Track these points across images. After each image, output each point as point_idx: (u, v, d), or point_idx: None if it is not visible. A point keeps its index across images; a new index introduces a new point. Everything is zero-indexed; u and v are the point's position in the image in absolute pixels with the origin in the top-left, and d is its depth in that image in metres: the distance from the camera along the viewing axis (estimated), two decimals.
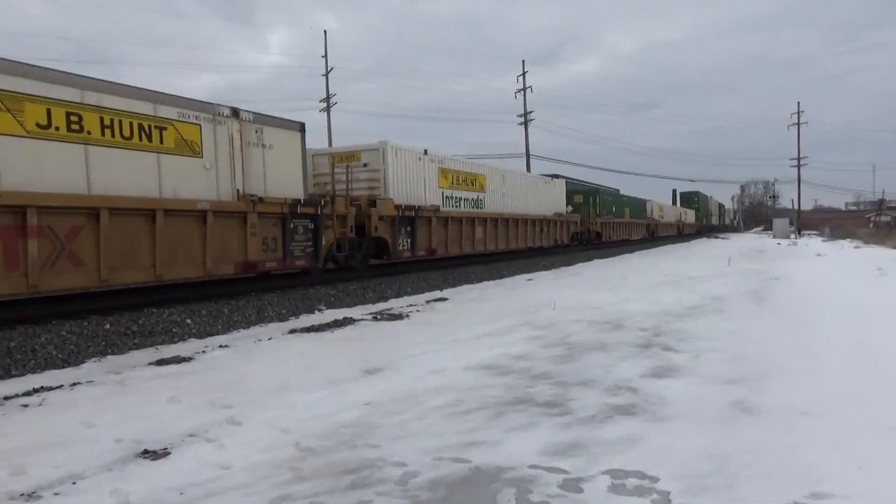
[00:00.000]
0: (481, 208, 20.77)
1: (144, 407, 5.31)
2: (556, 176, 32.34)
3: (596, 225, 33.26)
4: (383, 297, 13.10)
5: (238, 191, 11.21)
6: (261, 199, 11.52)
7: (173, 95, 10.26)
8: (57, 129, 8.57)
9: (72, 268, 8.61)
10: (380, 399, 5.33)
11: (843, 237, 45.07)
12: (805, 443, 4.07)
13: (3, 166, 7.98)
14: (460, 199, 19.59)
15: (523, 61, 51.95)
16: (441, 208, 18.27)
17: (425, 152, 17.88)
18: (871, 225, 67.98)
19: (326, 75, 42.52)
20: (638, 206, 44.59)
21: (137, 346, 8.13)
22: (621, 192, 43.54)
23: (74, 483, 3.74)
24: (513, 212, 23.18)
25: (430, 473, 3.71)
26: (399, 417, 4.81)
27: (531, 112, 47.13)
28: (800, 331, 8.19)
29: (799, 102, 67.79)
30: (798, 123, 67.25)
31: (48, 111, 8.49)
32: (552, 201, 28.08)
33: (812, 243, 38.76)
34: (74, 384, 6.20)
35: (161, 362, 7.13)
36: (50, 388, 6.05)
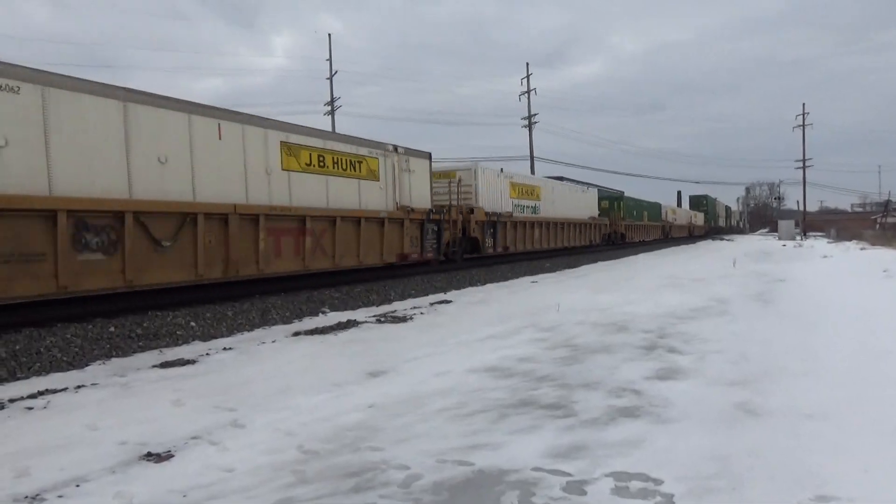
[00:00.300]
0: (538, 214, 26.22)
1: (148, 409, 5.32)
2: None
3: (621, 227, 38.11)
4: (387, 300, 13.11)
5: (397, 203, 16.56)
6: (412, 210, 17.04)
7: (366, 139, 15.79)
8: (312, 165, 13.76)
9: (321, 256, 13.80)
10: (383, 401, 5.33)
11: (849, 239, 44.90)
12: (809, 445, 4.05)
13: (293, 191, 13.05)
14: (524, 206, 24.92)
15: (527, 64, 51.88)
16: (513, 214, 23.70)
17: (501, 170, 23.45)
18: (878, 226, 67.65)
19: (331, 78, 42.63)
20: (654, 209, 48.78)
21: (142, 349, 8.15)
22: (639, 197, 46.28)
23: (78, 486, 3.74)
24: (560, 216, 28.64)
25: (434, 476, 3.70)
26: (402, 420, 4.81)
27: (535, 114, 47.21)
28: (804, 333, 8.16)
29: (804, 104, 67.53)
30: (803, 125, 67.12)
31: (309, 155, 13.67)
32: (587, 207, 33.33)
33: (818, 245, 38.63)
34: (79, 387, 6.22)
35: (165, 365, 7.15)
36: (54, 391, 6.06)
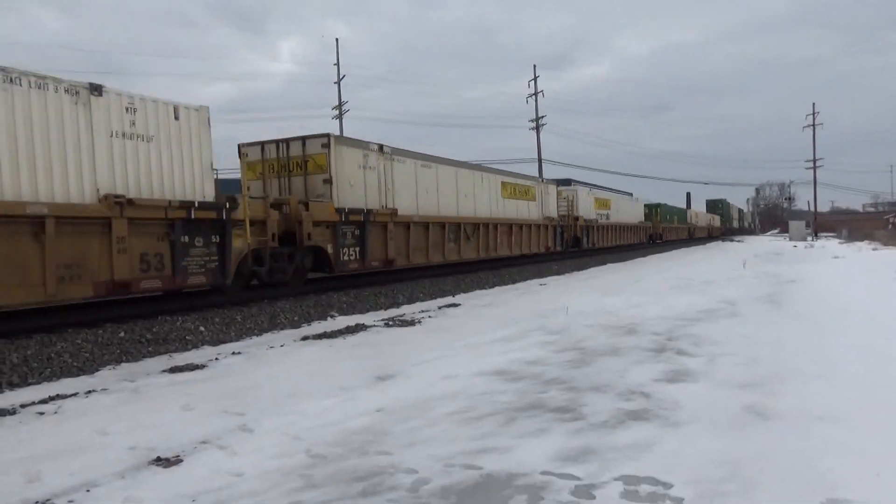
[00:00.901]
0: (609, 220, 35.10)
1: (158, 414, 5.35)
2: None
3: (660, 229, 48.17)
4: (395, 303, 13.12)
5: (542, 215, 25.62)
6: (551, 219, 26.53)
7: (531, 176, 27.08)
8: (511, 194, 22.79)
9: (514, 245, 22.62)
10: (391, 405, 5.33)
11: (861, 239, 44.55)
12: (820, 448, 4.01)
13: (507, 209, 22.38)
14: (602, 214, 33.92)
15: (534, 66, 51.89)
16: (598, 220, 32.82)
17: (589, 189, 33.84)
18: (890, 226, 67.09)
19: (338, 83, 42.74)
20: (682, 214, 59.01)
21: (151, 354, 8.19)
22: (671, 205, 54.60)
23: (88, 490, 3.77)
24: (623, 221, 38.00)
25: (442, 480, 3.70)
26: (410, 424, 4.80)
27: (543, 116, 47.13)
28: (815, 335, 8.10)
29: (814, 104, 67.16)
30: (814, 124, 66.71)
31: (511, 188, 22.87)
32: (637, 214, 42.66)
33: (829, 245, 38.35)
34: (89, 392, 6.26)
35: (174, 370, 7.18)
36: (65, 396, 6.10)
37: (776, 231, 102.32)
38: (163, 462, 4.19)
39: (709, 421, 4.62)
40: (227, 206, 10.61)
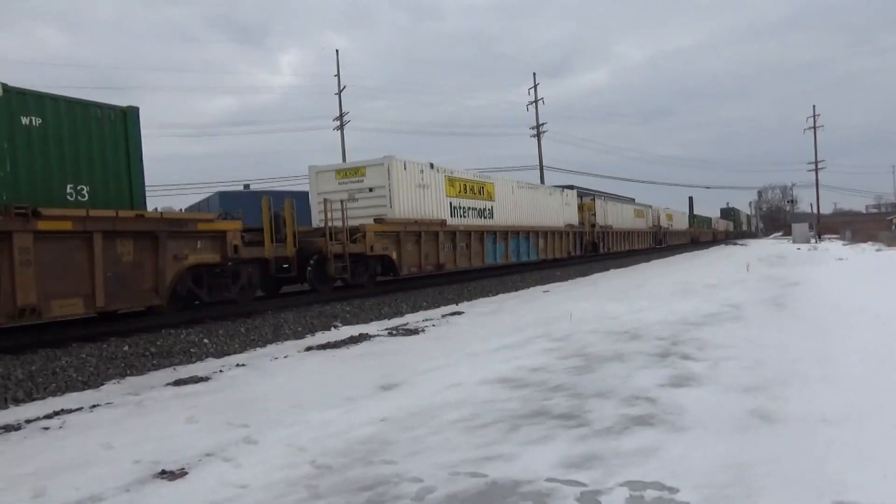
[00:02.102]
0: (626, 226, 39.61)
1: (162, 427, 5.35)
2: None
3: (697, 234, 60.96)
4: (399, 313, 13.12)
5: (565, 222, 28.42)
6: (572, 226, 29.20)
7: (555, 187, 30.88)
8: (543, 203, 26.66)
9: (550, 250, 26.02)
10: (396, 415, 5.33)
11: (865, 240, 44.46)
12: (827, 451, 4.00)
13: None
14: (618, 220, 38.12)
15: (534, 73, 52.28)
16: (612, 226, 35.93)
17: (634, 206, 41.74)
18: (893, 227, 66.93)
19: (339, 94, 42.91)
20: (708, 222, 75.84)
21: (156, 367, 8.20)
22: (704, 215, 71.41)
23: None
24: (634, 228, 41.94)
25: (447, 489, 3.69)
26: (415, 433, 4.80)
27: (543, 123, 47.24)
28: (819, 337, 8.07)
29: (814, 106, 67.44)
30: (814, 126, 66.77)
31: (540, 197, 26.78)
32: (647, 220, 46.11)
33: (832, 247, 38.28)
34: (94, 406, 6.26)
35: (179, 382, 7.18)
36: (70, 411, 6.11)
37: (779, 234, 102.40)
38: (168, 475, 4.19)
39: (714, 425, 4.60)
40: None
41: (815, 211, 71.39)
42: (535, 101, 47.74)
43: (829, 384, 5.63)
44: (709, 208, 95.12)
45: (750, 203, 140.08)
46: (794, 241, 55.03)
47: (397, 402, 5.75)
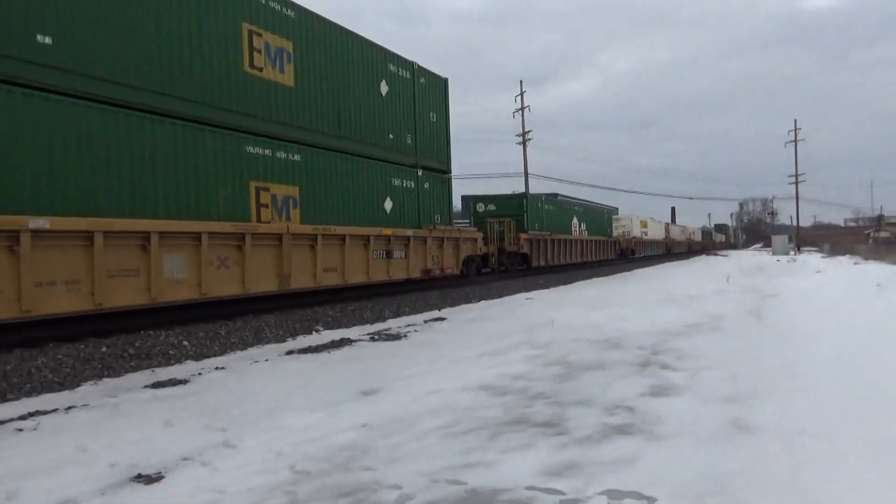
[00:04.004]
0: (647, 237, 50.39)
1: (139, 430, 5.28)
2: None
3: (698, 244, 74.82)
4: (381, 318, 13.08)
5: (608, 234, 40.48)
6: (613, 236, 41.12)
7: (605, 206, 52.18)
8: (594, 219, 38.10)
9: (581, 255, 33.95)
10: (376, 421, 5.31)
11: (843, 253, 45.08)
12: (802, 462, 4.05)
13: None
14: (643, 233, 49.49)
15: (521, 81, 52.32)
16: (641, 238, 47.77)
17: (636, 215, 49.83)
18: (871, 241, 68.00)
19: None
20: (710, 234, 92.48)
21: (134, 369, 8.10)
22: (705, 229, 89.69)
23: None
24: (654, 238, 52.57)
25: (426, 496, 3.68)
26: (395, 439, 4.78)
27: (529, 131, 47.39)
28: (797, 349, 8.17)
29: (795, 120, 68.58)
30: (795, 140, 67.62)
31: (594, 216, 38.54)
32: (660, 231, 55.86)
33: (811, 260, 38.77)
34: (70, 408, 6.17)
35: (157, 385, 7.10)
36: (45, 412, 6.01)
37: (759, 245, 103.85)
38: (144, 479, 4.14)
39: (692, 435, 4.64)
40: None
41: (794, 223, 72.32)
42: (522, 109, 47.92)
43: (806, 396, 5.70)
44: (691, 219, 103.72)
45: (731, 214, 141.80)
46: (774, 253, 55.73)
47: (378, 408, 5.73)
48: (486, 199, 26.53)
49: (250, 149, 11.23)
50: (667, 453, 4.27)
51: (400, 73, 15.85)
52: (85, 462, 4.50)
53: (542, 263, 27.07)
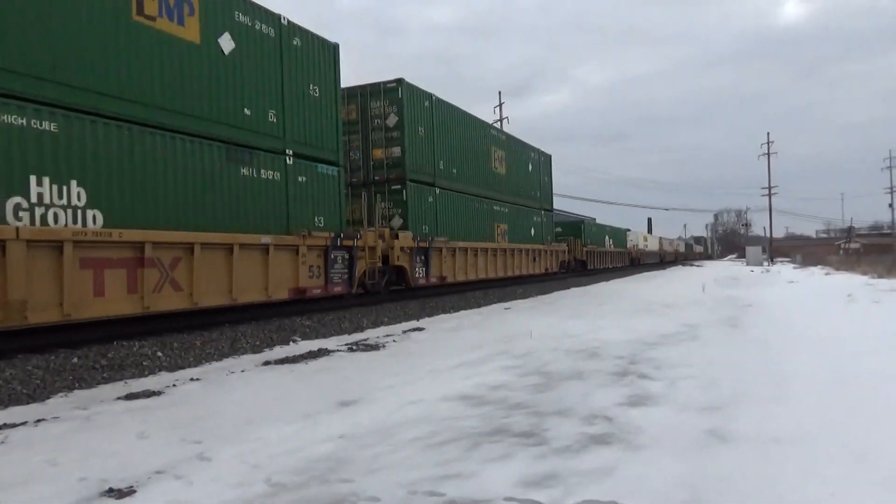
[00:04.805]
0: (647, 249, 61.36)
1: (111, 443, 5.17)
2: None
3: (687, 255, 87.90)
4: (359, 328, 13.00)
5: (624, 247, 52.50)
6: (639, 250, 58.77)
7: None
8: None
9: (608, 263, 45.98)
10: (354, 432, 5.26)
11: (815, 264, 45.88)
12: (778, 470, 4.08)
13: None
14: (646, 245, 61.68)
15: (500, 92, 52.76)
16: (644, 249, 60.45)
17: (641, 231, 64.58)
18: (841, 252, 69.30)
19: None
20: (690, 245, 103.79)
21: (106, 381, 7.94)
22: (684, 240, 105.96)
23: None
24: (652, 250, 64.94)
25: None
26: (373, 450, 4.74)
27: None
28: (773, 358, 8.27)
29: (768, 133, 69.74)
30: (768, 153, 68.82)
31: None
32: (655, 244, 67.01)
33: (784, 270, 39.39)
34: (39, 420, 6.02)
35: (130, 396, 6.97)
36: (13, 426, 5.86)
37: (734, 256, 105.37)
38: (115, 493, 4.05)
39: (671, 444, 4.66)
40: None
41: (768, 234, 73.46)
42: (500, 120, 48.23)
43: (781, 404, 5.76)
44: (666, 230, 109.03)
45: (706, 225, 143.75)
46: (749, 264, 56.53)
47: (356, 419, 5.68)
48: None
49: None
50: (645, 463, 4.28)
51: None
52: (54, 477, 4.39)
53: (591, 267, 39.43)
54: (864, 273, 27.44)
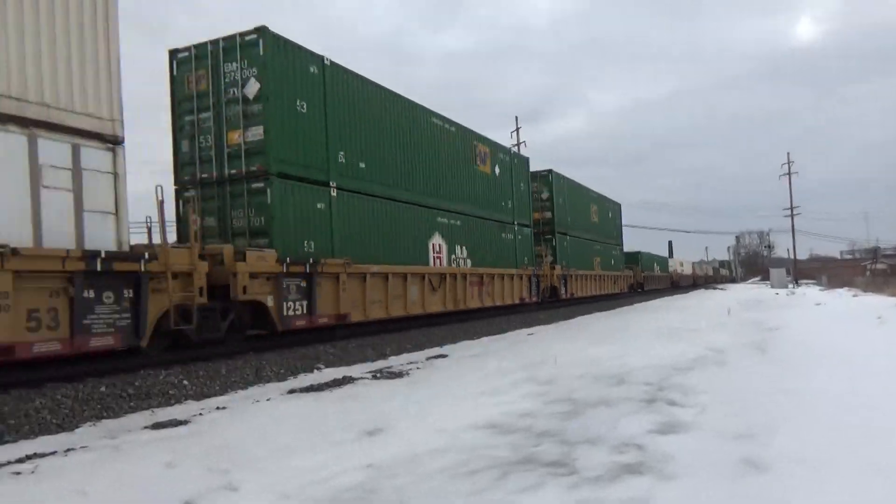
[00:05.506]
0: (683, 272, 73.63)
1: (140, 473, 5.18)
2: None
3: (716, 277, 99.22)
4: (383, 355, 12.98)
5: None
6: (672, 271, 71.07)
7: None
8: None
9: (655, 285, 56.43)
10: (381, 461, 5.22)
11: (841, 286, 45.13)
12: (815, 498, 3.97)
13: None
14: (682, 268, 73.77)
15: (516, 117, 52.90)
16: (681, 273, 72.52)
17: (668, 255, 76.99)
18: (868, 273, 68.13)
19: None
20: (717, 269, 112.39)
21: (133, 409, 8.00)
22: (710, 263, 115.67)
23: None
24: (686, 273, 76.79)
25: None
26: (402, 480, 4.69)
27: None
28: (803, 382, 8.09)
29: (788, 153, 69.48)
30: (789, 173, 68.33)
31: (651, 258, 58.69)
32: (689, 268, 75.10)
33: (810, 292, 38.78)
34: (68, 450, 6.07)
35: (157, 426, 7.00)
36: (43, 455, 5.91)
37: (757, 279, 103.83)
38: None
39: (705, 473, 4.56)
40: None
41: (791, 256, 72.54)
42: (518, 144, 48.46)
43: (815, 430, 5.62)
44: (687, 253, 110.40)
45: (728, 248, 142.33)
46: (773, 286, 55.72)
47: (383, 448, 5.64)
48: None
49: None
50: (679, 492, 4.19)
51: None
52: None
53: (645, 289, 49.47)
54: (893, 294, 26.90)
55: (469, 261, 20.27)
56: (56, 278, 8.37)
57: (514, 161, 25.21)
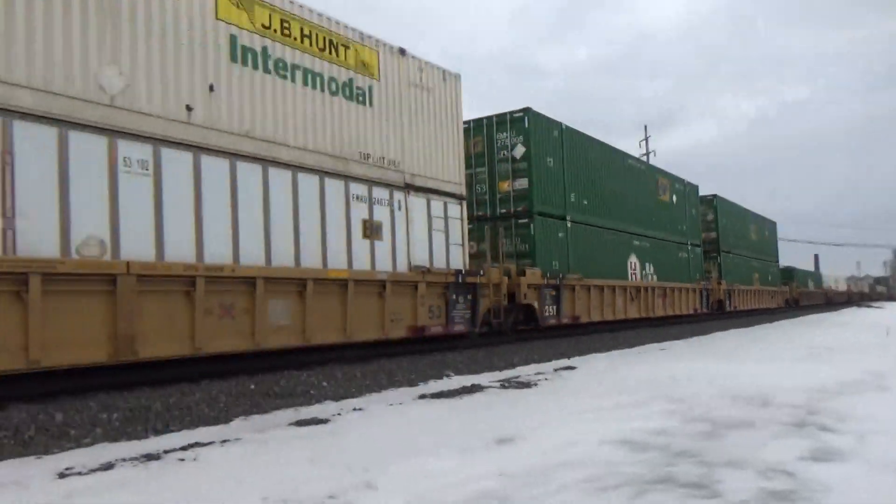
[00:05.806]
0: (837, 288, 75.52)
1: (286, 467, 5.54)
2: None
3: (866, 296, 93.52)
4: (510, 365, 13.00)
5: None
6: (824, 287, 69.76)
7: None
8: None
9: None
10: (512, 470, 5.24)
11: None
12: None
13: None
14: (835, 284, 74.77)
15: (645, 126, 51.31)
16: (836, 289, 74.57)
17: (814, 268, 73.02)
18: None
19: None
20: (873, 285, 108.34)
21: (278, 407, 8.54)
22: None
23: None
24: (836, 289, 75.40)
25: None
26: (535, 490, 4.69)
27: None
28: None
29: None
30: None
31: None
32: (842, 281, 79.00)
33: None
34: (224, 441, 6.59)
35: (300, 423, 7.43)
36: (202, 444, 6.46)
37: None
38: None
39: None
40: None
41: None
42: (647, 154, 46.90)
43: None
44: (836, 267, 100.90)
45: (884, 262, 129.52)
46: None
47: (513, 457, 5.66)
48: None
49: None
50: None
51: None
52: (241, 495, 4.77)
53: (800, 304, 51.04)
54: None
55: (655, 276, 24.39)
56: (441, 286, 13.55)
57: (687, 189, 29.57)
